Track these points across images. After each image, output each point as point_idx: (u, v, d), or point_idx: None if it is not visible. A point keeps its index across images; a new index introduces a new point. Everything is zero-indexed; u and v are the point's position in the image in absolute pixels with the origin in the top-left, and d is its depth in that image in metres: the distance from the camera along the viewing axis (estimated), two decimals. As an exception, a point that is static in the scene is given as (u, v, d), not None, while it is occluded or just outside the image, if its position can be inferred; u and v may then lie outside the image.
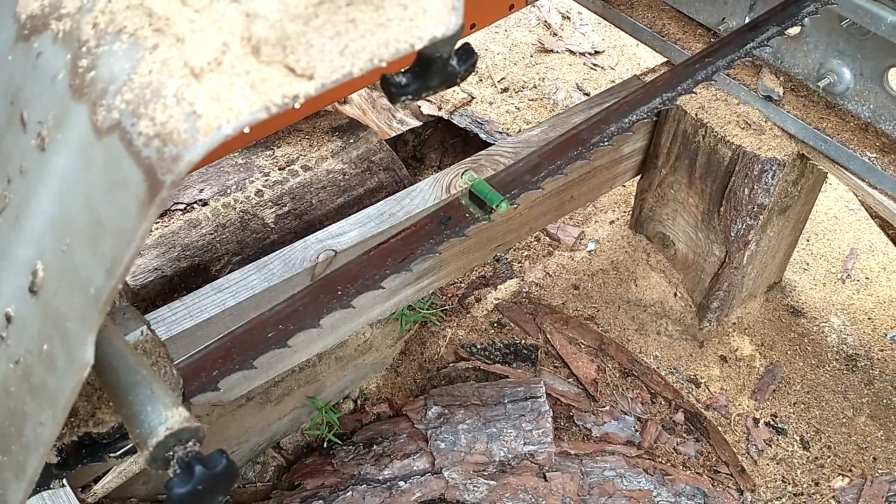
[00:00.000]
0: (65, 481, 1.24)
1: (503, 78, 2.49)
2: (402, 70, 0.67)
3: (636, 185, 1.99)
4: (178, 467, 0.60)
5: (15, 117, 0.57)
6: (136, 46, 0.52)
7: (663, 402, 1.87)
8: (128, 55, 0.52)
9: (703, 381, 1.90)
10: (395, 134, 2.19)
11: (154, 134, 0.50)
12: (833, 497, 1.75)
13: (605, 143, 1.23)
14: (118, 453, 0.76)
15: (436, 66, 0.66)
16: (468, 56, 0.69)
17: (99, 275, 0.52)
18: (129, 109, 0.51)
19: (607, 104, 1.36)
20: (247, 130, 0.51)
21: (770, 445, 1.82)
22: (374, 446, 1.69)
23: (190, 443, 0.61)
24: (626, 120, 1.25)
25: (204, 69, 0.51)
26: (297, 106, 0.53)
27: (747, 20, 1.65)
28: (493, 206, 1.10)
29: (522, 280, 2.03)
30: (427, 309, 1.89)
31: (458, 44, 0.66)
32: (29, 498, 0.61)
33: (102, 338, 0.61)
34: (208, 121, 0.49)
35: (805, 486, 1.77)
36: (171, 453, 0.60)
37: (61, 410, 0.54)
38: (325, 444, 1.73)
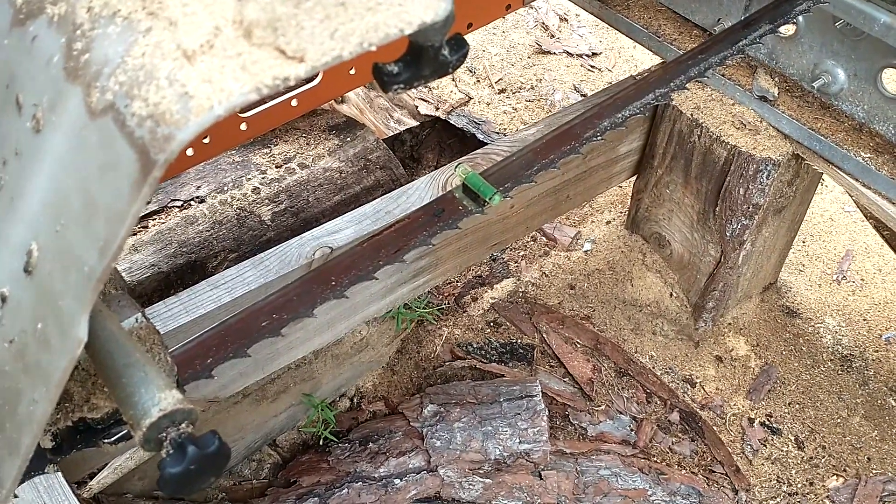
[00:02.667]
0: (61, 476, 1.25)
1: (500, 79, 2.50)
2: (395, 60, 0.68)
3: (632, 185, 2.00)
4: (170, 448, 0.60)
5: (10, 100, 0.58)
6: (129, 30, 0.53)
7: (659, 402, 1.87)
8: (121, 38, 0.53)
9: (698, 380, 1.91)
10: (392, 133, 2.20)
11: (147, 115, 0.50)
12: (827, 497, 1.76)
13: (598, 138, 1.24)
14: (112, 439, 0.77)
15: (427, 56, 0.67)
16: (459, 46, 0.70)
17: (92, 254, 0.53)
18: (122, 91, 0.52)
19: (600, 102, 1.37)
20: (246, 121, 0.52)
21: (765, 445, 1.83)
22: (370, 444, 1.70)
23: (183, 424, 0.61)
24: (619, 115, 1.26)
25: (196, 52, 0.52)
26: (291, 95, 0.53)
27: (741, 20, 1.66)
28: (487, 199, 1.11)
29: (519, 279, 2.04)
30: (423, 308, 1.90)
31: (450, 34, 0.67)
32: (22, 479, 0.61)
33: (97, 322, 0.62)
34: (200, 101, 0.50)
35: (800, 485, 1.78)
36: (164, 434, 0.61)
37: (55, 388, 0.54)
38: (320, 442, 1.73)
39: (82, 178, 0.53)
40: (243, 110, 1.44)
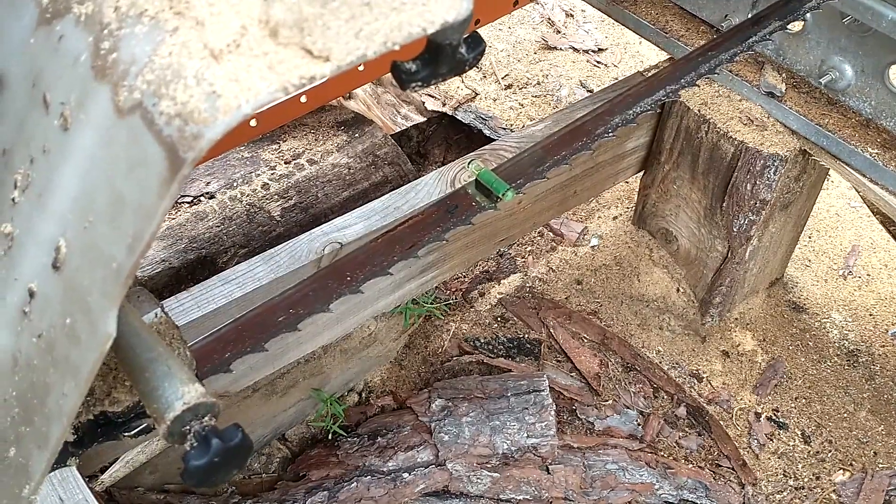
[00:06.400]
0: (74, 469, 1.26)
1: (507, 75, 2.51)
2: (413, 58, 0.68)
3: (639, 181, 2.01)
4: (194, 441, 0.61)
5: (37, 98, 0.59)
6: (156, 29, 0.54)
7: (665, 397, 1.88)
8: (149, 37, 0.54)
9: (705, 375, 1.92)
10: (399, 129, 2.20)
11: (175, 113, 0.51)
12: (834, 491, 1.77)
13: (610, 135, 1.25)
14: (133, 433, 0.78)
15: (445, 54, 0.67)
16: (477, 44, 0.71)
17: (121, 251, 0.53)
18: (150, 90, 0.53)
19: (610, 98, 1.37)
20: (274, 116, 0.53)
21: (771, 440, 1.83)
22: (379, 438, 1.71)
23: (206, 417, 0.62)
24: (631, 111, 1.27)
25: (223, 51, 0.52)
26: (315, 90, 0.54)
27: (750, 17, 1.66)
28: (500, 195, 1.12)
29: (526, 275, 2.05)
30: (431, 303, 1.91)
31: (467, 32, 0.68)
32: (51, 469, 0.62)
33: (120, 316, 0.63)
34: (228, 100, 0.50)
35: (806, 479, 1.79)
36: (188, 427, 0.62)
37: (84, 381, 0.55)
38: (329, 436, 1.74)
39: (110, 176, 0.54)
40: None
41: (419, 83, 0.69)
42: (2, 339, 0.61)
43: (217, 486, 1.65)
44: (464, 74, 2.45)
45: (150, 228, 0.52)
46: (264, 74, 0.51)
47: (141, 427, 0.77)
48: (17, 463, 0.61)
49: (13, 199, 0.60)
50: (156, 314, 0.78)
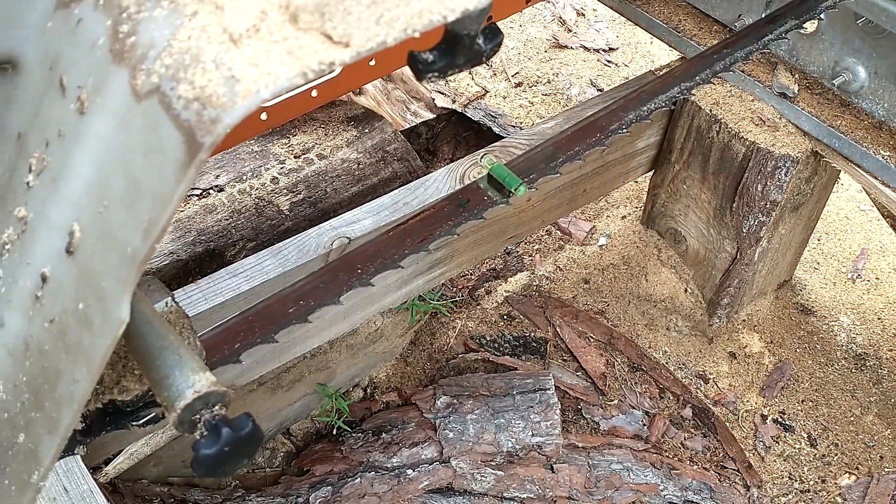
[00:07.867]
0: (80, 460, 1.26)
1: (517, 73, 2.50)
2: (430, 48, 0.68)
3: (648, 180, 2.00)
4: (204, 429, 0.61)
5: (54, 82, 0.58)
6: (175, 13, 0.54)
7: (671, 397, 1.87)
8: (168, 21, 0.53)
9: (711, 376, 1.91)
10: (408, 126, 2.20)
11: (193, 97, 0.51)
12: (839, 494, 1.76)
13: (624, 130, 1.24)
14: (141, 422, 0.77)
15: (463, 44, 0.67)
16: (494, 35, 0.70)
17: (136, 236, 0.53)
18: (168, 74, 0.52)
19: (622, 96, 1.37)
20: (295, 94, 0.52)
21: (777, 442, 1.83)
22: (383, 434, 1.71)
23: (217, 406, 0.62)
24: (644, 108, 1.26)
25: (242, 35, 0.52)
26: (336, 71, 0.54)
27: (763, 17, 1.66)
28: (512, 190, 1.11)
29: (533, 273, 2.04)
30: (437, 300, 1.90)
31: (484, 23, 0.67)
32: (60, 457, 0.62)
33: (132, 304, 0.62)
34: (247, 85, 0.50)
35: (812, 483, 1.78)
36: (199, 416, 0.62)
37: (96, 367, 0.55)
38: (334, 431, 1.74)
39: (127, 160, 0.53)
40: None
41: (436, 73, 0.68)
42: (14, 324, 0.61)
43: (226, 477, 1.65)
44: (473, 71, 2.45)
45: (165, 214, 0.52)
46: (284, 59, 0.51)
47: (149, 416, 0.77)
48: (27, 448, 0.61)
49: (28, 183, 0.60)
50: (166, 303, 0.78)
